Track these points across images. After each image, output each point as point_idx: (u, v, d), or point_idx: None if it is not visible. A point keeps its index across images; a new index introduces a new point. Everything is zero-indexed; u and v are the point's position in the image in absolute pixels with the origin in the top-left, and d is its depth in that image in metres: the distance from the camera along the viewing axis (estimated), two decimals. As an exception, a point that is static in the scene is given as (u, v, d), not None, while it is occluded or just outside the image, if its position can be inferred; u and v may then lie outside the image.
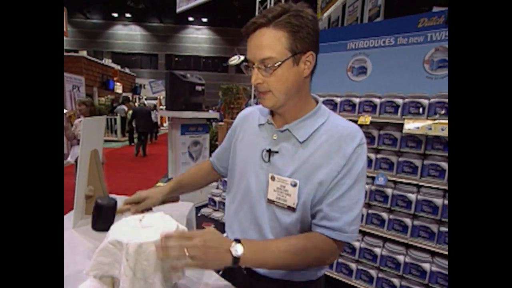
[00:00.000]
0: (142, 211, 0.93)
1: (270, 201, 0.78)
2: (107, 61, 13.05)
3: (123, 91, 13.77)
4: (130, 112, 9.19)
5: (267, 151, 0.80)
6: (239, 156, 0.89)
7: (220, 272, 0.90)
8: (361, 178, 0.75)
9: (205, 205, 3.11)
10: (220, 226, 2.54)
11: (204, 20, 20.38)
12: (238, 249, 0.65)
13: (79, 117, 3.69)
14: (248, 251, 0.66)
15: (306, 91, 0.79)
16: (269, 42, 0.69)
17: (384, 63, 2.38)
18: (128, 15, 19.62)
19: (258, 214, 0.81)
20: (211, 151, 3.73)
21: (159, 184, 3.45)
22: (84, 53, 11.65)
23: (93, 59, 11.34)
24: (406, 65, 2.26)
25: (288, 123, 0.79)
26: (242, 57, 6.43)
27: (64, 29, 10.25)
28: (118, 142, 10.10)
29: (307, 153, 0.76)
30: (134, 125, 8.07)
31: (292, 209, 0.76)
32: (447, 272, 1.84)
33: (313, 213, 0.76)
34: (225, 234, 0.91)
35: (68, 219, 1.12)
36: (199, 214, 2.94)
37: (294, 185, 0.74)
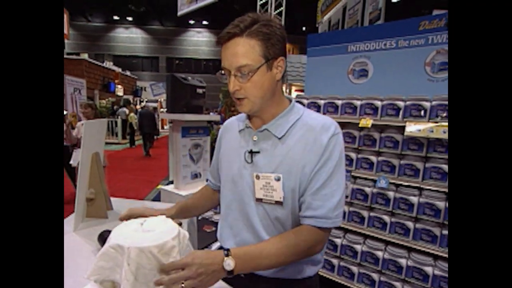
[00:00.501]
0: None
1: (258, 200, 0.81)
2: (108, 64, 13.09)
3: (124, 94, 13.79)
4: (132, 114, 9.21)
5: (249, 152, 0.83)
6: (224, 165, 0.93)
7: None
8: (340, 166, 0.79)
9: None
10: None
11: (205, 23, 20.47)
12: (230, 264, 0.67)
13: (80, 120, 3.70)
14: (239, 262, 0.68)
15: (279, 93, 0.84)
16: (244, 50, 0.72)
17: (386, 65, 2.38)
18: (129, 18, 19.71)
19: (249, 214, 0.84)
20: (212, 154, 3.74)
21: (159, 187, 3.45)
22: (85, 55, 11.70)
23: (94, 61, 11.37)
24: (408, 67, 2.27)
25: (266, 123, 0.83)
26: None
27: (65, 32, 10.31)
28: (119, 145, 10.10)
29: (287, 148, 0.80)
30: (135, 127, 8.19)
31: (280, 203, 0.79)
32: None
33: (299, 205, 0.80)
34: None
35: (69, 223, 1.11)
36: (200, 218, 2.93)
37: (278, 180, 0.78)
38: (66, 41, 10.91)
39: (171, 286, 0.63)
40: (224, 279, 0.84)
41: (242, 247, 0.75)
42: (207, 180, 1.09)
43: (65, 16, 10.16)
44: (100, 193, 1.19)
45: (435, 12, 2.48)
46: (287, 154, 0.79)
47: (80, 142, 3.47)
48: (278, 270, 0.83)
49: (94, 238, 0.97)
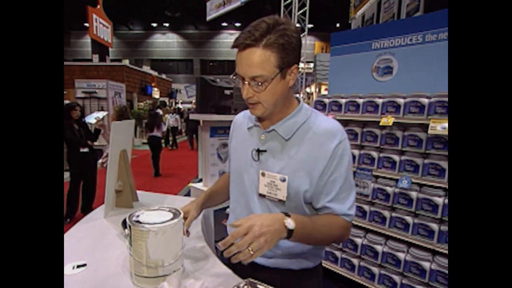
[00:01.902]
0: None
1: (261, 196, 0.86)
2: (146, 68, 13.89)
3: (160, 96, 14.54)
4: (166, 115, 9.71)
5: (256, 150, 0.87)
6: (233, 159, 0.98)
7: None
8: (350, 169, 0.84)
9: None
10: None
11: (237, 24, 20.82)
12: (290, 223, 0.71)
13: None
14: (298, 224, 0.72)
15: (290, 95, 0.86)
16: (260, 61, 0.73)
17: (411, 62, 2.30)
18: (166, 24, 20.73)
19: (252, 208, 0.89)
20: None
21: (190, 184, 3.64)
22: (126, 61, 12.55)
23: (134, 67, 12.15)
24: (435, 63, 2.17)
25: (274, 123, 0.86)
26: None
27: (109, 41, 11.17)
28: (155, 144, 10.74)
29: (293, 149, 0.83)
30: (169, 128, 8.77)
31: (282, 201, 0.83)
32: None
33: (318, 208, 0.84)
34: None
35: (100, 211, 1.27)
36: (216, 209, 3.04)
37: (283, 181, 0.82)
38: (110, 49, 11.79)
39: (239, 255, 0.67)
40: (228, 266, 0.91)
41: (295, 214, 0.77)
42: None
43: (109, 26, 11.03)
44: (126, 185, 1.34)
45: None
46: (294, 156, 0.82)
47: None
48: (282, 260, 0.88)
49: (119, 224, 1.10)
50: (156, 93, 13.85)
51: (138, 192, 1.48)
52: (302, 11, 6.84)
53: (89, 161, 3.60)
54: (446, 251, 1.83)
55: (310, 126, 0.84)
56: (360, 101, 2.29)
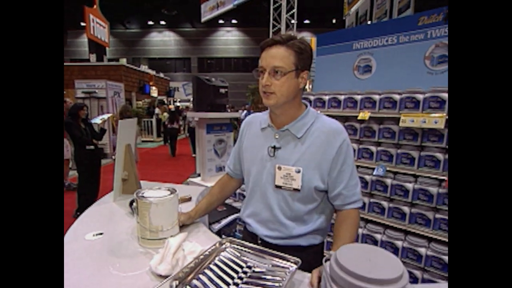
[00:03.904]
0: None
1: (277, 187, 1.01)
2: (144, 67, 14.06)
3: (159, 95, 14.71)
4: (165, 114, 9.90)
5: (272, 147, 1.03)
6: (247, 156, 1.12)
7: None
8: (353, 161, 1.03)
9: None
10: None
11: (234, 21, 20.92)
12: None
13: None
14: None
15: (299, 99, 1.03)
16: (283, 55, 0.93)
17: (388, 61, 2.51)
18: (162, 22, 20.80)
19: (269, 198, 1.04)
20: (234, 148, 4.06)
21: (189, 179, 3.87)
22: (123, 61, 12.70)
23: (131, 66, 12.30)
24: (408, 62, 2.38)
25: (286, 124, 1.02)
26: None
27: (106, 40, 11.31)
28: (154, 142, 10.94)
29: (305, 146, 0.99)
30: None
31: (297, 190, 0.99)
32: (441, 257, 1.96)
33: (333, 196, 1.01)
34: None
35: (109, 197, 1.50)
36: None
37: (298, 172, 0.97)
38: (107, 48, 11.92)
39: None
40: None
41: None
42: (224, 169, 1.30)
43: (105, 26, 11.16)
44: (131, 175, 1.56)
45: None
46: (305, 151, 0.98)
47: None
48: (293, 240, 1.03)
49: (127, 205, 1.33)
50: (154, 92, 14.02)
51: (141, 181, 1.70)
52: (290, 13, 7.04)
53: (94, 158, 3.82)
54: (415, 231, 2.06)
55: (317, 127, 1.00)
56: (341, 97, 2.50)
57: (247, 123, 1.18)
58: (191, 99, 16.85)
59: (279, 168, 1.00)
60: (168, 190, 1.07)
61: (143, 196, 0.99)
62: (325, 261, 0.64)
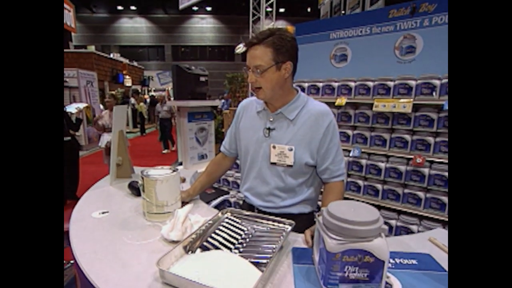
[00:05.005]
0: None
1: (272, 164, 1.14)
2: (116, 55, 13.46)
3: (133, 84, 14.22)
4: (141, 104, 9.66)
5: (267, 129, 1.15)
6: (244, 136, 1.23)
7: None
8: (339, 140, 1.15)
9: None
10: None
11: (208, 9, 20.44)
12: None
13: (102, 111, 4.22)
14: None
15: (288, 86, 1.12)
16: (260, 54, 1.02)
17: (362, 50, 2.70)
18: (133, 7, 19.86)
19: (264, 173, 1.17)
20: (217, 137, 4.12)
21: (172, 166, 3.86)
22: (92, 48, 12.06)
23: (103, 54, 11.75)
24: (380, 51, 2.58)
25: (279, 108, 1.13)
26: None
27: (73, 26, 10.66)
28: (131, 133, 10.66)
29: (296, 127, 1.11)
30: (145, 116, 8.52)
31: (290, 166, 1.12)
32: (409, 226, 2.21)
33: (321, 170, 1.13)
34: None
35: (104, 182, 1.56)
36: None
37: (291, 150, 1.10)
38: (73, 34, 11.25)
39: None
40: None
41: None
42: (220, 151, 1.39)
43: (71, 9, 10.49)
44: (126, 160, 1.62)
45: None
46: (297, 132, 1.10)
47: (105, 129, 3.99)
48: (281, 208, 1.15)
49: (125, 187, 1.40)
50: (128, 81, 13.52)
51: (134, 167, 1.76)
52: (269, 2, 7.09)
53: (71, 150, 3.74)
54: (387, 205, 2.30)
55: (308, 110, 1.12)
56: (320, 85, 2.66)
57: (244, 107, 1.29)
58: (167, 88, 16.45)
59: (274, 147, 1.12)
60: (170, 169, 1.16)
61: (148, 174, 1.08)
62: (318, 215, 0.78)
